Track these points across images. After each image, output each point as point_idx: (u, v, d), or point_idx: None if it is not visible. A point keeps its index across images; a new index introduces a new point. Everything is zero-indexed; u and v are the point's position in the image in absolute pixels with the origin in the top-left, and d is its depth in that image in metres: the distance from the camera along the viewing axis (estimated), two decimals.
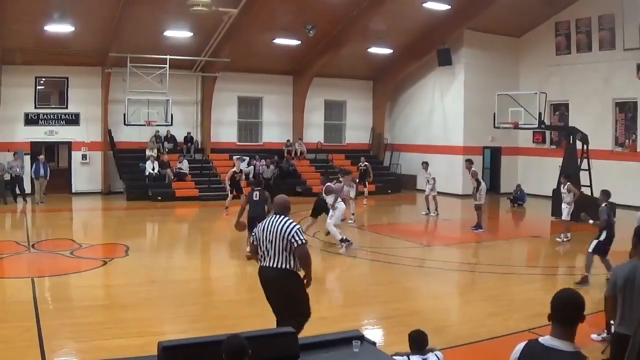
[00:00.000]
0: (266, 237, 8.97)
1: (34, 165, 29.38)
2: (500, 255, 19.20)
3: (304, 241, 8.92)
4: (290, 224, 8.94)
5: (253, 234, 9.44)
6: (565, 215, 20.87)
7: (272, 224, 8.99)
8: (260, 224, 9.32)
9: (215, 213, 28.15)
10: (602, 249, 14.77)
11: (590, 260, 14.77)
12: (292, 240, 8.79)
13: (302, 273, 9.08)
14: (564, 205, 20.96)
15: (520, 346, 4.66)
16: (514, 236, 23.16)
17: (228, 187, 26.54)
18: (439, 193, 27.79)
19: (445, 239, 21.74)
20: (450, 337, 10.60)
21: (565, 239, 20.55)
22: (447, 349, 9.59)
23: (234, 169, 26.51)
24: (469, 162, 24.44)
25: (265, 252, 8.98)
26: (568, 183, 21.00)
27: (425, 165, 27.90)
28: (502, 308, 12.76)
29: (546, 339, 4.51)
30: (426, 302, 13.79)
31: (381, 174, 36.99)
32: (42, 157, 30.05)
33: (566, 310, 4.50)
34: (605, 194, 16.14)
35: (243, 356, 5.27)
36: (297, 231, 8.89)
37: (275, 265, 8.89)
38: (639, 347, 4.84)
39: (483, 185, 23.50)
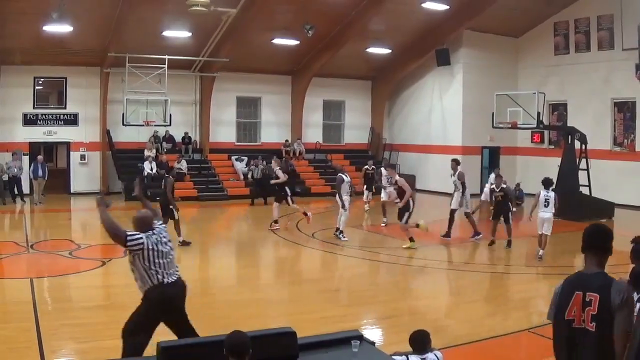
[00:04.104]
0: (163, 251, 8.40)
1: (32, 165, 29.42)
2: (499, 254, 19.17)
3: None
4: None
5: None
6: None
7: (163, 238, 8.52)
8: (148, 240, 8.23)
9: (213, 213, 28.16)
10: None
11: None
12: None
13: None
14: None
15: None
16: (512, 236, 23.11)
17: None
18: (436, 193, 27.61)
19: (444, 239, 21.66)
20: (450, 337, 10.60)
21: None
22: (446, 348, 9.57)
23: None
24: (456, 162, 21.86)
25: (166, 266, 8.32)
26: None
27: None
28: (501, 307, 12.78)
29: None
30: (425, 302, 13.79)
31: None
32: (40, 157, 30.06)
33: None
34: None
35: (245, 352, 5.39)
36: None
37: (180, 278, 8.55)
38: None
39: (467, 190, 21.59)
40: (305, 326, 8.92)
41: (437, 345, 8.49)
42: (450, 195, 21.85)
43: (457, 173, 21.44)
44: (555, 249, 19.35)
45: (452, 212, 21.40)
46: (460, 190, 21.20)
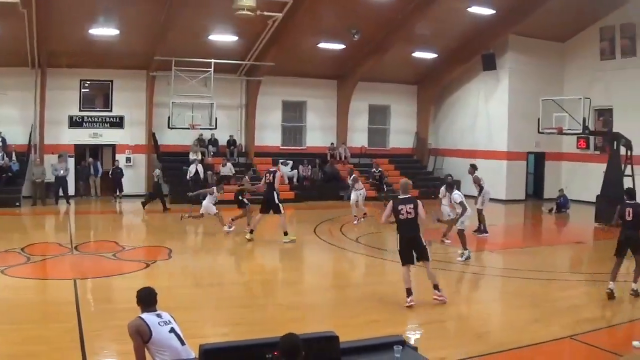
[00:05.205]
0: None
1: (92, 166, 31.45)
2: (544, 261, 19.00)
3: None
4: None
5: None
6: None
7: None
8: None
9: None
10: None
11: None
12: None
13: None
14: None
15: None
16: (557, 242, 22.94)
17: None
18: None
19: (489, 245, 21.63)
20: (492, 344, 10.61)
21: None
22: (488, 355, 9.61)
23: None
24: (473, 168, 23.98)
25: None
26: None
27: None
28: (544, 314, 12.66)
29: None
30: (469, 308, 13.79)
31: (425, 178, 36.86)
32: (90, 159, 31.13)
33: None
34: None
35: (297, 354, 5.73)
36: None
37: None
38: None
39: (486, 191, 23.28)
40: (348, 331, 8.95)
41: (478, 352, 8.47)
42: (475, 197, 23.49)
43: (472, 177, 23.49)
44: (599, 256, 19.23)
45: (479, 211, 23.15)
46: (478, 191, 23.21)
